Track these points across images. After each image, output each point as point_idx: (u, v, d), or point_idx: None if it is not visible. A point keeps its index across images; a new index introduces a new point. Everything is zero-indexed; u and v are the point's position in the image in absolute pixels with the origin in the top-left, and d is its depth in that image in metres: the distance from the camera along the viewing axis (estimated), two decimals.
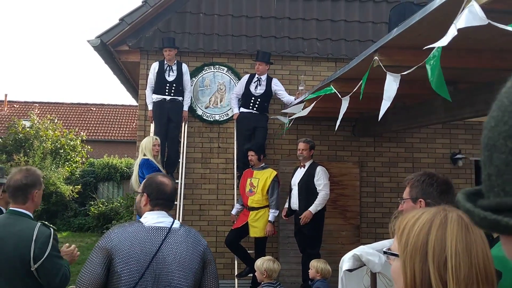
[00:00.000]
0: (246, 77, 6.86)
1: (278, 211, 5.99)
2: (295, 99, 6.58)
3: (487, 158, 0.66)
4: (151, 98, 6.67)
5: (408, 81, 2.91)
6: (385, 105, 2.95)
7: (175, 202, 6.41)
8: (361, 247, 2.36)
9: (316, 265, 4.66)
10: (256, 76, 6.75)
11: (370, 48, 3.37)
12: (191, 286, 2.37)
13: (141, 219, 2.44)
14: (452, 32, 2.08)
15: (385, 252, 1.20)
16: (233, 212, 6.43)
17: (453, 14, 2.25)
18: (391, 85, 2.94)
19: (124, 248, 2.27)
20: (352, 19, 7.43)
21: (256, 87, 6.71)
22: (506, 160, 0.62)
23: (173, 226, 2.43)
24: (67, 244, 3.19)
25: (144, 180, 2.61)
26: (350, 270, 2.30)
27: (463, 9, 2.22)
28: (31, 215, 2.93)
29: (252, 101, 6.71)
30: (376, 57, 3.26)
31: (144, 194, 2.49)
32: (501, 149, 0.63)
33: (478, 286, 1.03)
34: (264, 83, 6.71)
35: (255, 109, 6.71)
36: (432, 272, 1.05)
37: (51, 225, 2.94)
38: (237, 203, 6.44)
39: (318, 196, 5.78)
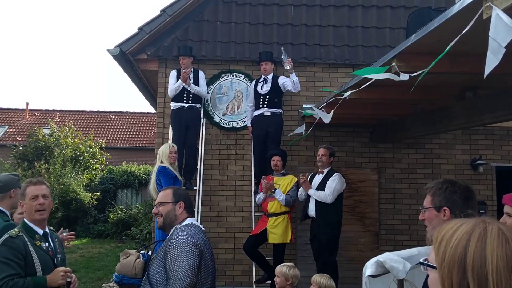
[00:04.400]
0: (253, 83, 6.92)
1: (285, 200, 5.90)
2: (289, 69, 6.33)
3: None
4: (175, 86, 6.64)
5: (426, 87, 2.90)
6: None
7: (194, 209, 6.45)
8: (386, 253, 2.34)
9: (319, 281, 3.96)
10: (263, 77, 6.79)
11: (389, 54, 3.37)
12: None
13: (194, 222, 2.85)
14: (497, 47, 2.06)
15: (421, 263, 1.18)
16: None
17: (472, 20, 2.23)
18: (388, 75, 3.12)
19: (207, 246, 2.74)
20: (369, 25, 7.41)
21: (262, 86, 6.74)
22: None
23: None
24: (62, 268, 2.88)
25: (173, 191, 2.92)
26: (373, 276, 2.28)
27: (480, 13, 2.20)
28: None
29: (260, 100, 6.72)
30: (394, 63, 3.25)
31: (181, 202, 2.85)
32: None
33: None
34: (270, 81, 6.73)
35: (265, 106, 6.67)
36: (472, 287, 1.01)
37: (15, 230, 2.76)
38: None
39: (323, 192, 5.73)
